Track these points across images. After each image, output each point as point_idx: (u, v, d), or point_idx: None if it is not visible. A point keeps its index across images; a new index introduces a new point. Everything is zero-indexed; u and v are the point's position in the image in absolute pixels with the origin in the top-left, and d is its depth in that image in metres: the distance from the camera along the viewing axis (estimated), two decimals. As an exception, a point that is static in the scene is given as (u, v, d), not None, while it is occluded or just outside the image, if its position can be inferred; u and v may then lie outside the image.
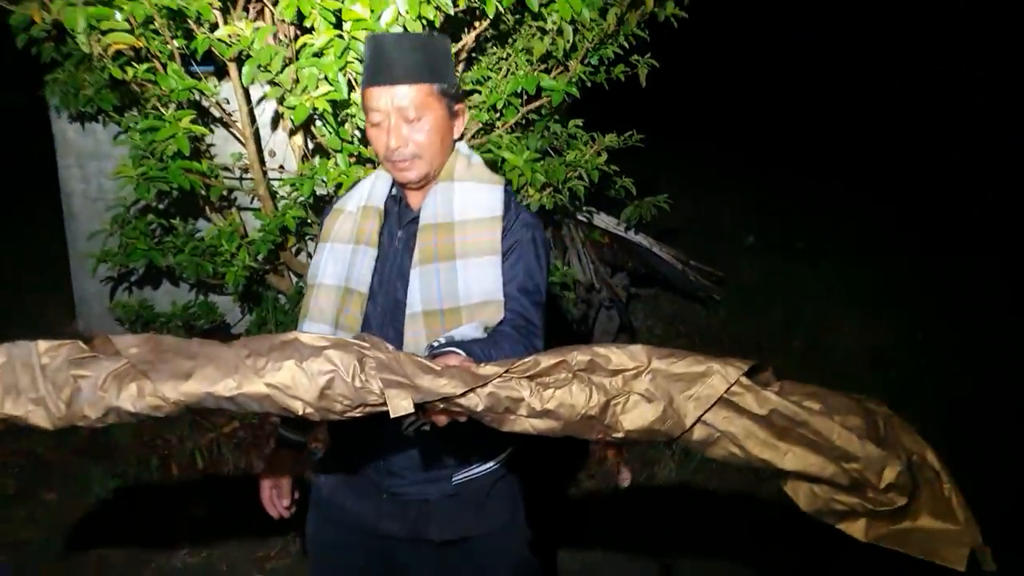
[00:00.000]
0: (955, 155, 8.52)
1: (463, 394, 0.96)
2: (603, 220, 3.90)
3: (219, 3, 2.47)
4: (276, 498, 1.55)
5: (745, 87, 10.81)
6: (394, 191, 1.42)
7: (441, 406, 0.99)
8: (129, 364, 0.98)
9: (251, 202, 3.33)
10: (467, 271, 1.27)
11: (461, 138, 1.44)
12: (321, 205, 3.05)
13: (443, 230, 1.30)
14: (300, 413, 0.97)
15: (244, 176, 3.19)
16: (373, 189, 1.42)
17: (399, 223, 1.39)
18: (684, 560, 2.59)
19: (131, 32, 2.27)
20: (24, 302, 4.17)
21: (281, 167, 3.22)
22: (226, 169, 3.05)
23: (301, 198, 2.79)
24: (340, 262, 1.37)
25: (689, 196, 6.01)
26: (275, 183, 3.08)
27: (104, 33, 2.22)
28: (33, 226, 5.18)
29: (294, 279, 3.39)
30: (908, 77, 10.57)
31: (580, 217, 3.75)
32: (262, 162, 3.03)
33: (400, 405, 0.95)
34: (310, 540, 1.56)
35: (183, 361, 0.98)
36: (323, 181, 2.66)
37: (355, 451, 1.41)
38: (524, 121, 3.14)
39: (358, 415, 0.99)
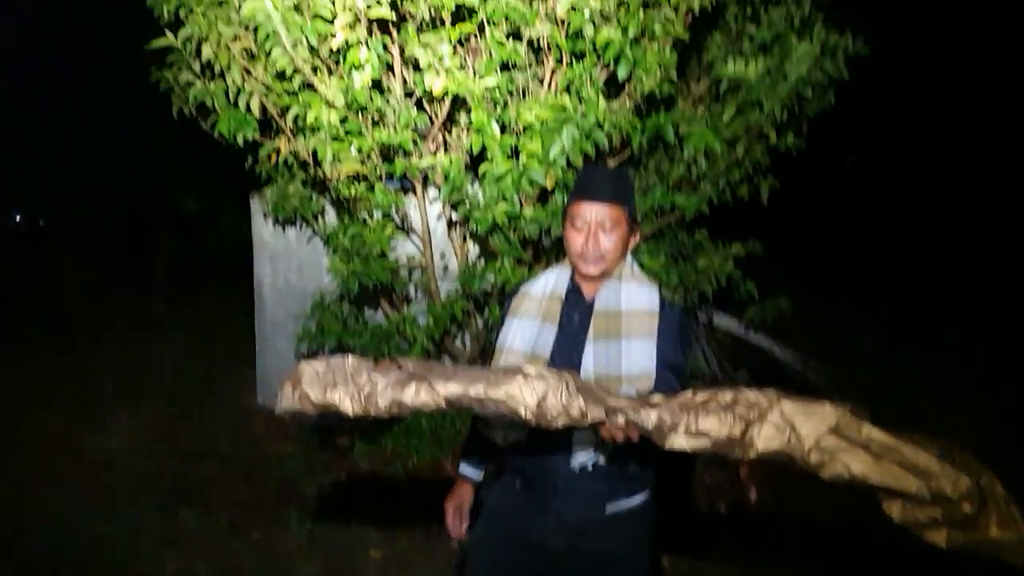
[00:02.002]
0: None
1: (638, 411, 1.33)
2: (725, 322, 4.25)
3: (416, 137, 3.13)
4: (457, 521, 1.96)
5: (875, 204, 10.95)
6: (571, 283, 1.86)
7: (621, 421, 1.35)
8: (408, 373, 1.40)
9: (416, 296, 3.92)
10: (630, 350, 1.70)
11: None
12: (479, 300, 3.59)
13: (613, 317, 1.74)
14: (523, 415, 1.34)
15: (415, 273, 3.79)
16: (557, 280, 1.87)
17: (576, 308, 1.82)
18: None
19: (359, 161, 2.92)
20: (214, 379, 4.90)
21: (446, 267, 3.81)
22: (404, 268, 3.65)
23: (466, 292, 3.33)
24: (528, 333, 1.80)
25: (812, 300, 6.23)
26: (441, 280, 3.66)
27: (340, 161, 2.88)
28: (221, 316, 6.05)
29: (448, 362, 3.90)
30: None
31: (705, 318, 4.13)
32: (432, 262, 3.62)
33: (595, 414, 1.34)
34: (475, 542, 1.93)
35: (447, 372, 1.40)
36: (490, 279, 3.19)
37: (531, 478, 1.80)
38: (658, 231, 3.62)
39: (561, 424, 1.35)
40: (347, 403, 1.38)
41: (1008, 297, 7.64)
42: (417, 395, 1.36)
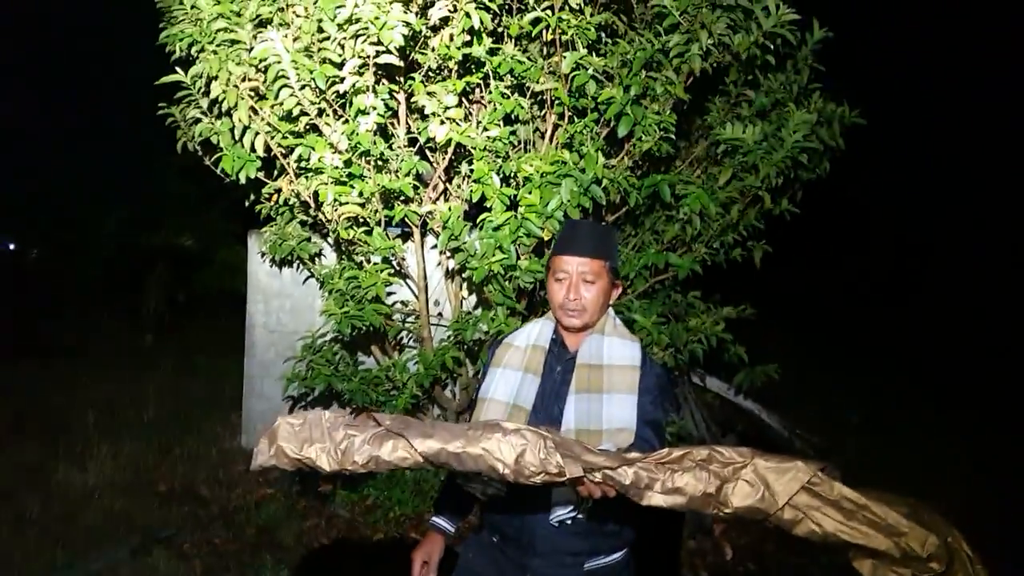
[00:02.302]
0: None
1: (615, 468, 1.34)
2: (715, 384, 4.24)
3: (416, 183, 3.16)
4: (423, 573, 1.90)
5: (863, 273, 11.08)
6: (554, 336, 1.87)
7: (598, 478, 1.35)
8: (385, 429, 1.40)
9: (410, 343, 3.90)
10: (611, 403, 1.69)
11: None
12: (472, 349, 3.58)
13: (595, 370, 1.75)
14: (501, 471, 1.34)
15: (407, 319, 3.78)
16: (540, 332, 1.88)
17: (559, 360, 1.82)
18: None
19: (359, 205, 2.95)
20: (198, 418, 4.81)
21: (440, 314, 3.80)
22: (398, 312, 3.64)
23: (458, 341, 3.32)
24: (510, 384, 1.80)
25: (799, 369, 6.23)
26: (435, 327, 3.65)
27: (342, 204, 2.90)
28: (211, 354, 6.00)
29: (437, 412, 3.86)
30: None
31: (695, 379, 4.12)
32: (427, 309, 3.61)
33: (573, 471, 1.34)
34: None
35: (425, 428, 1.40)
36: (483, 328, 3.18)
37: (508, 534, 1.77)
38: (651, 289, 3.64)
39: (539, 481, 1.35)
40: (323, 459, 1.38)
41: (1000, 369, 7.66)
42: (394, 451, 1.37)
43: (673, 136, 2.91)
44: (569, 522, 1.68)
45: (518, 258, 3.01)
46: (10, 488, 3.79)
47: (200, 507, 3.76)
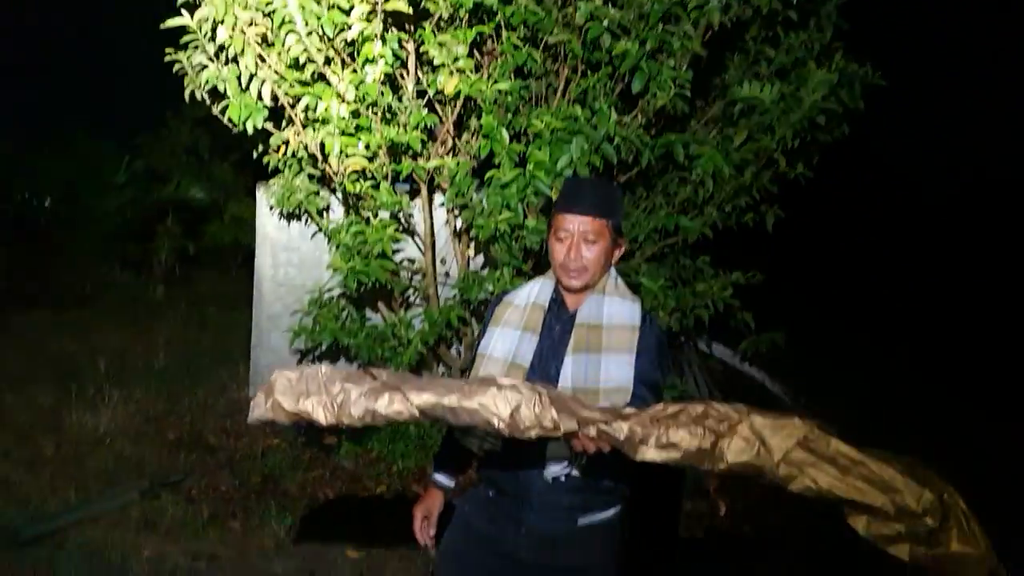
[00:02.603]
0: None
1: (609, 423, 1.33)
2: (720, 351, 4.21)
3: (424, 138, 3.11)
4: (424, 527, 1.93)
5: (876, 247, 10.91)
6: (555, 294, 1.85)
7: (592, 433, 1.35)
8: (381, 383, 1.41)
9: (416, 301, 3.90)
10: (608, 363, 1.69)
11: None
12: (477, 308, 3.56)
13: (593, 330, 1.73)
14: (496, 426, 1.34)
15: (414, 277, 3.77)
16: (540, 290, 1.86)
17: (558, 319, 1.81)
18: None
19: (365, 157, 2.91)
20: (207, 368, 4.86)
21: (447, 274, 3.79)
22: (404, 270, 3.63)
23: (464, 300, 3.31)
24: (508, 342, 1.79)
25: (810, 339, 6.16)
26: (441, 285, 3.64)
27: (348, 156, 2.87)
28: (221, 306, 6.05)
29: (441, 369, 3.87)
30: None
31: (700, 345, 4.09)
32: (434, 267, 3.60)
33: (567, 425, 1.34)
34: (444, 550, 1.90)
35: (421, 383, 1.41)
36: (489, 288, 3.16)
37: (504, 489, 1.78)
38: (660, 253, 3.59)
39: (534, 435, 1.35)
40: (320, 412, 1.39)
41: (1011, 339, 7.59)
42: (390, 404, 1.37)
43: (688, 93, 2.84)
44: (563, 478, 1.69)
45: (525, 217, 2.97)
46: (25, 430, 3.86)
47: (208, 455, 3.81)
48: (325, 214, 4.09)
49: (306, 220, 4.23)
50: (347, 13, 2.66)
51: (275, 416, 1.41)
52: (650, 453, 1.32)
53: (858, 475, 1.27)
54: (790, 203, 3.58)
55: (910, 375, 6.71)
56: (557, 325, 1.78)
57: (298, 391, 1.40)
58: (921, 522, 1.26)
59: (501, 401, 1.34)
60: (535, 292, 1.84)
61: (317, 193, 3.95)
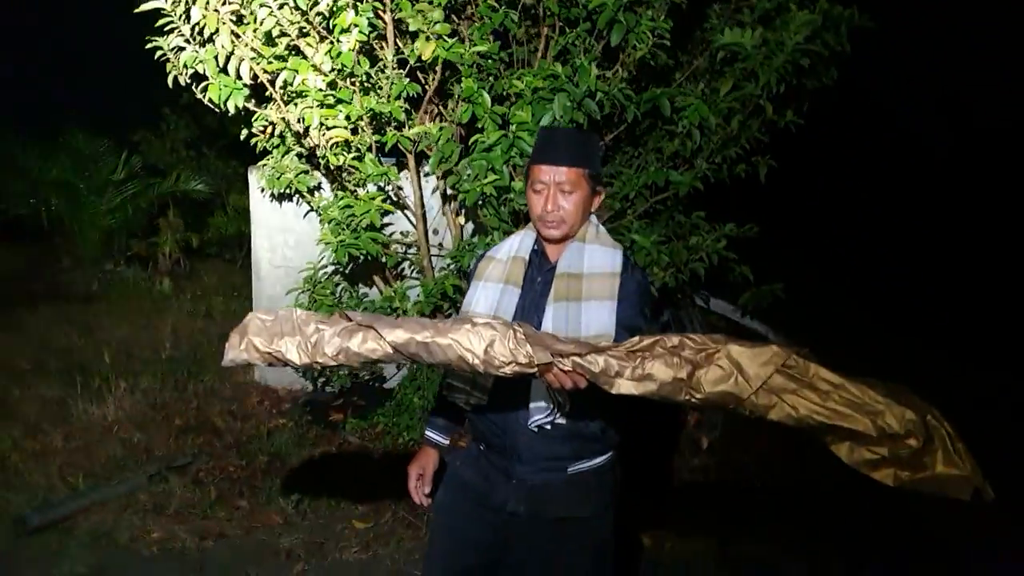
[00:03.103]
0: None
1: (584, 356, 1.31)
2: (720, 306, 4.19)
3: (407, 107, 3.09)
4: (418, 485, 1.94)
5: (873, 192, 10.78)
6: (536, 246, 1.84)
7: (567, 366, 1.33)
8: (356, 323, 1.40)
9: (411, 273, 3.90)
10: (589, 311, 1.67)
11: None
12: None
13: (574, 279, 1.72)
14: (470, 362, 1.33)
15: (409, 250, 3.76)
16: (521, 243, 1.84)
17: (539, 270, 1.80)
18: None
19: (347, 129, 2.89)
20: (212, 354, 4.89)
21: (440, 244, 3.77)
22: (397, 243, 3.62)
23: (459, 269, 3.30)
24: (490, 296, 1.78)
25: (812, 291, 6.10)
26: (435, 257, 3.63)
27: (329, 128, 2.85)
28: (224, 293, 6.10)
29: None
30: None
31: (698, 301, 4.07)
32: (427, 239, 3.59)
33: (541, 357, 1.32)
34: (438, 506, 1.91)
35: (394, 321, 1.40)
36: (480, 254, 3.15)
37: (492, 442, 1.78)
38: (652, 210, 3.56)
39: (508, 372, 1.34)
40: (293, 352, 1.38)
41: (1010, 296, 7.50)
42: (364, 342, 1.37)
43: (668, 43, 2.79)
44: (549, 427, 1.69)
45: (511, 179, 2.95)
46: (34, 422, 3.91)
47: (215, 438, 3.85)
48: (316, 192, 4.08)
49: (298, 200, 4.22)
50: (318, -18, 2.63)
51: (249, 356, 1.41)
52: (626, 386, 1.31)
53: (839, 399, 1.25)
54: (784, 154, 3.53)
55: (916, 323, 6.65)
56: (539, 277, 1.78)
57: (272, 332, 1.40)
58: (904, 444, 1.23)
59: (475, 337, 1.33)
60: (516, 245, 1.84)
61: (307, 172, 3.94)
